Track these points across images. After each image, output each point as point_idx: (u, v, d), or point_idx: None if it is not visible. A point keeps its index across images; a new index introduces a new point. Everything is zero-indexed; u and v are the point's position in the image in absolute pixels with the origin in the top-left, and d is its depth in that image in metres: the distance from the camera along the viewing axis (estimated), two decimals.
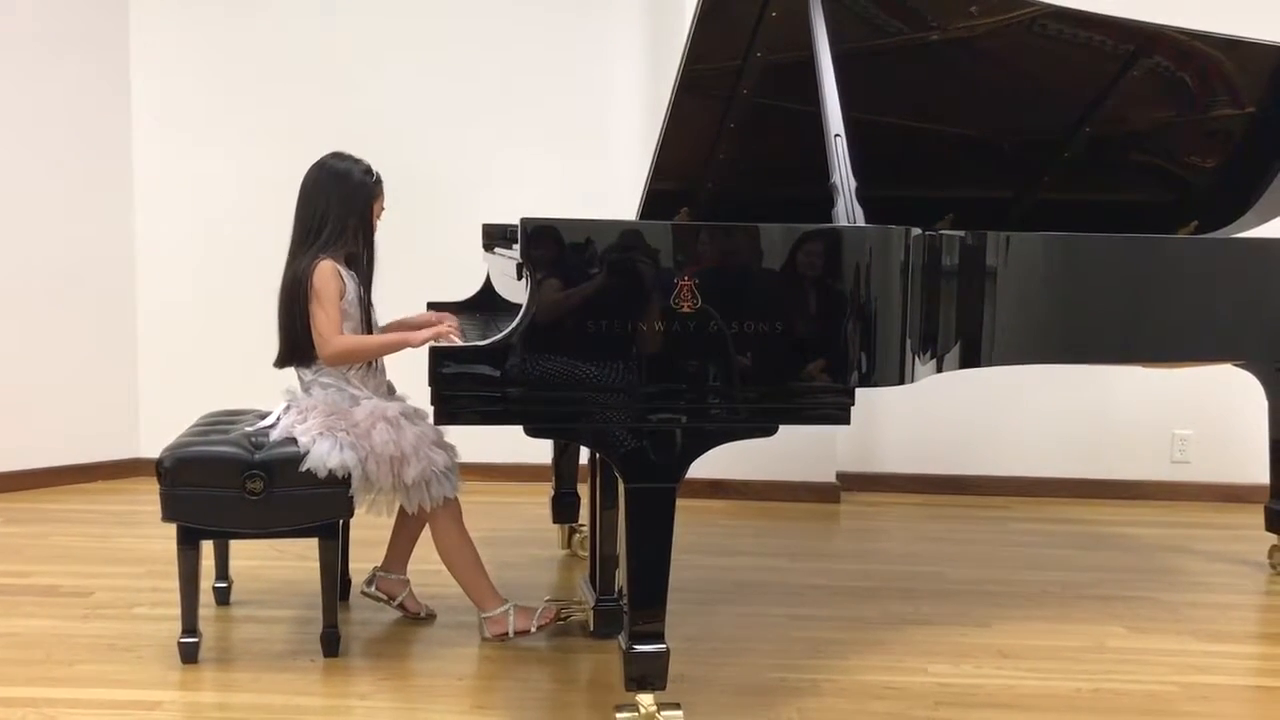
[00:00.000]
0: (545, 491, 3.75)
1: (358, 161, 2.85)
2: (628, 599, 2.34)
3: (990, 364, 2.71)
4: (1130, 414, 4.56)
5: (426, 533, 2.95)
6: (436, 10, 4.49)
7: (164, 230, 4.55)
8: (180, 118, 4.52)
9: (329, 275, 2.75)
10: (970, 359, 2.67)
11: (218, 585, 3.13)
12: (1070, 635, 3.04)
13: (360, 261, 2.84)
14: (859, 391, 2.31)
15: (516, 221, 2.23)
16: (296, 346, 2.80)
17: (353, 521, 2.95)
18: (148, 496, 2.95)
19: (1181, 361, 3.50)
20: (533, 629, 2.89)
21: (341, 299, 2.77)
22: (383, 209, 2.92)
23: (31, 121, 4.30)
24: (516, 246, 2.29)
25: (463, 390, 2.21)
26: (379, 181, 2.88)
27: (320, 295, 2.73)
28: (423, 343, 2.64)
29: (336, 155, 2.86)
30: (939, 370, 2.59)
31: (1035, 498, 4.55)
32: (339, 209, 2.80)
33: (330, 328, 2.73)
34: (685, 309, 2.21)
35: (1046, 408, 4.56)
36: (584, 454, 3.52)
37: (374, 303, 2.90)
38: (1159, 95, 3.27)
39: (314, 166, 2.84)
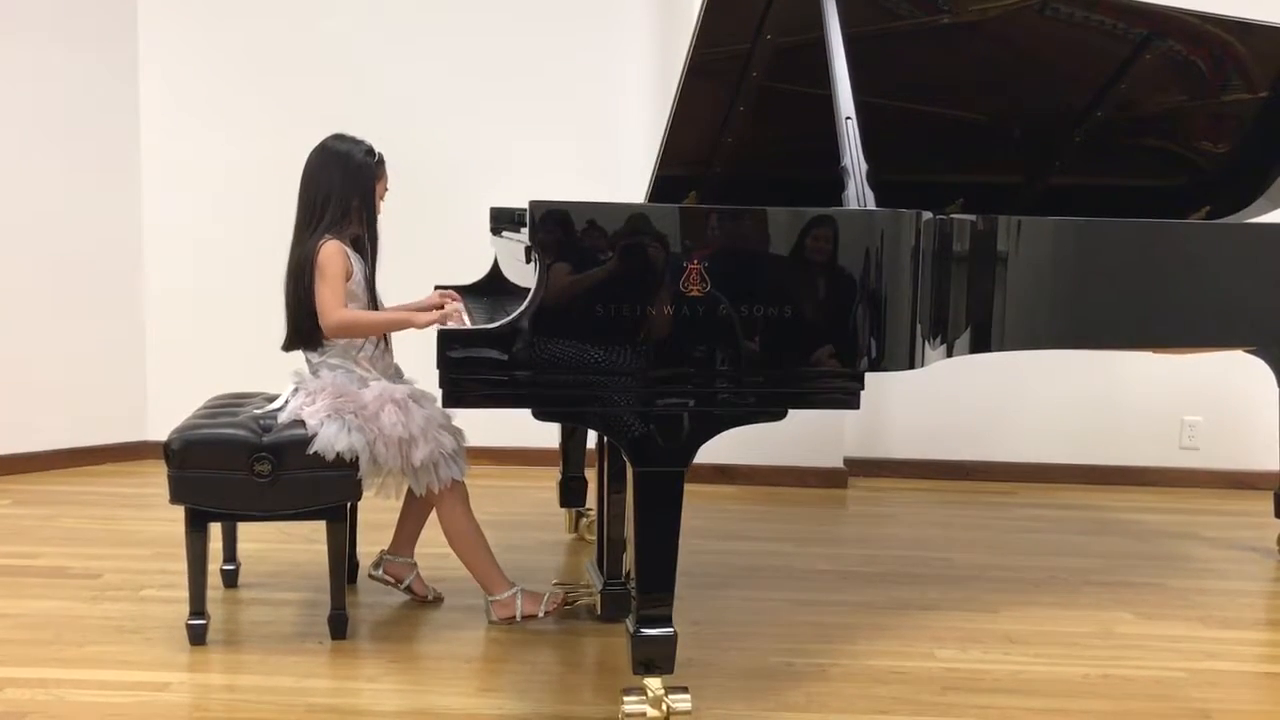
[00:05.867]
0: (553, 475, 3.75)
1: (359, 142, 2.86)
2: (635, 583, 2.33)
3: (1000, 349, 2.70)
4: (1139, 400, 4.55)
5: (434, 515, 2.95)
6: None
7: (172, 215, 4.54)
8: (189, 104, 4.50)
9: (334, 253, 2.75)
10: (980, 344, 2.66)
11: (226, 568, 3.14)
12: (1078, 621, 3.04)
13: (364, 243, 2.84)
14: (867, 376, 2.31)
15: (524, 205, 2.22)
16: (302, 329, 2.80)
17: (360, 505, 2.95)
18: (156, 479, 2.96)
19: (1192, 347, 3.49)
20: (540, 614, 2.90)
21: (348, 279, 2.77)
22: (386, 189, 2.92)
23: (41, 112, 4.29)
24: (525, 230, 2.28)
25: (470, 373, 2.20)
26: (381, 162, 2.88)
27: (325, 271, 2.74)
28: (427, 324, 2.66)
29: (338, 137, 2.86)
30: (949, 355, 2.58)
31: (1043, 483, 4.54)
32: (341, 190, 2.80)
33: (333, 301, 2.74)
34: (694, 293, 2.20)
35: (1055, 393, 4.55)
36: (592, 438, 3.51)
37: (379, 287, 2.90)
38: (1171, 79, 3.24)
39: (316, 149, 2.85)
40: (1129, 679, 2.68)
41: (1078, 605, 3.17)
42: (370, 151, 2.85)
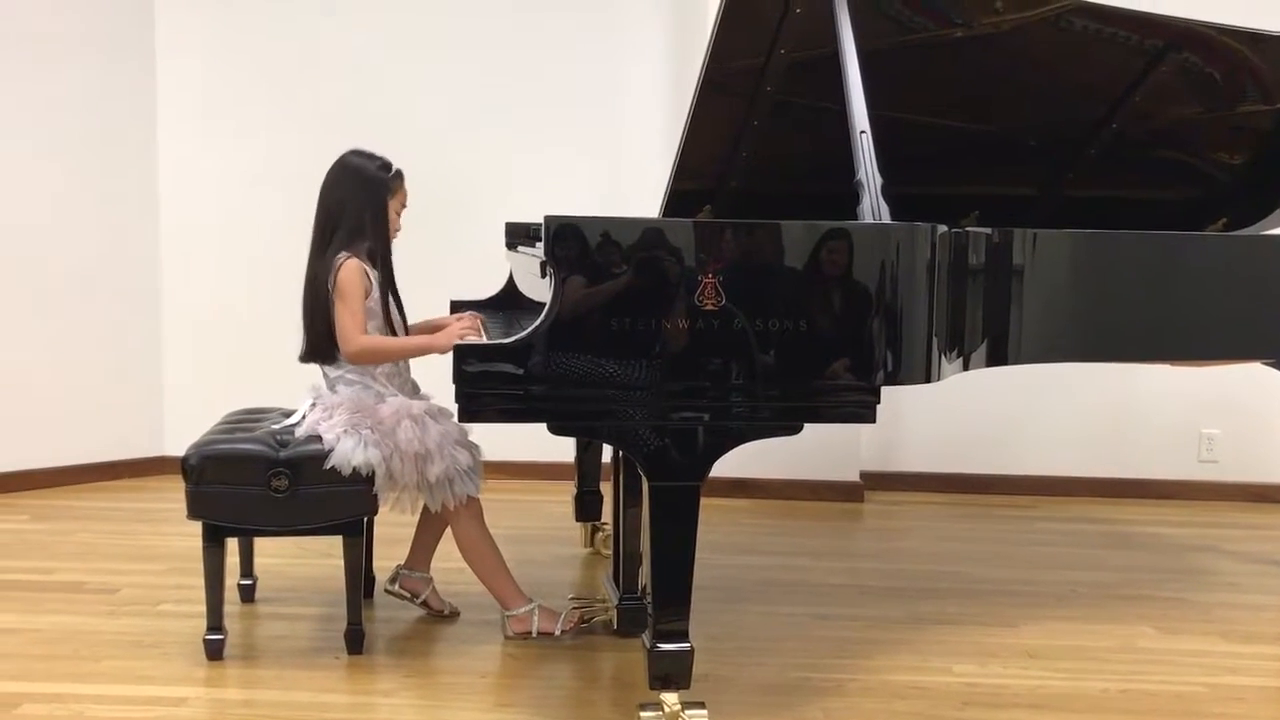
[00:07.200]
0: (568, 489, 3.75)
1: (374, 157, 2.86)
2: (651, 597, 2.33)
3: (1017, 362, 2.68)
4: (1157, 413, 4.52)
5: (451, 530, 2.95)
6: (460, 9, 4.49)
7: (189, 228, 4.57)
8: (205, 116, 4.54)
9: (353, 273, 2.75)
10: (997, 357, 2.64)
11: (242, 583, 3.15)
12: (1098, 635, 3.02)
13: (378, 258, 2.85)
14: (883, 389, 2.30)
15: (539, 220, 2.23)
16: (319, 344, 2.81)
17: (377, 519, 2.96)
18: (173, 494, 2.96)
19: (1209, 360, 3.47)
20: (556, 633, 2.89)
21: (366, 298, 2.78)
22: (404, 205, 2.92)
23: (57, 119, 4.32)
24: (540, 244, 2.29)
25: (486, 388, 2.20)
26: (397, 176, 2.88)
27: (345, 294, 2.74)
28: (447, 349, 2.64)
29: (354, 152, 2.87)
30: (965, 368, 2.57)
31: (1061, 497, 4.52)
32: (355, 204, 2.81)
33: (354, 327, 2.74)
34: (709, 307, 2.20)
35: (1072, 406, 4.53)
36: (607, 452, 3.51)
37: (397, 298, 2.91)
38: (1186, 91, 3.23)
39: (333, 164, 2.86)
40: (1150, 694, 2.66)
41: (1098, 619, 3.14)
42: (386, 166, 2.86)
